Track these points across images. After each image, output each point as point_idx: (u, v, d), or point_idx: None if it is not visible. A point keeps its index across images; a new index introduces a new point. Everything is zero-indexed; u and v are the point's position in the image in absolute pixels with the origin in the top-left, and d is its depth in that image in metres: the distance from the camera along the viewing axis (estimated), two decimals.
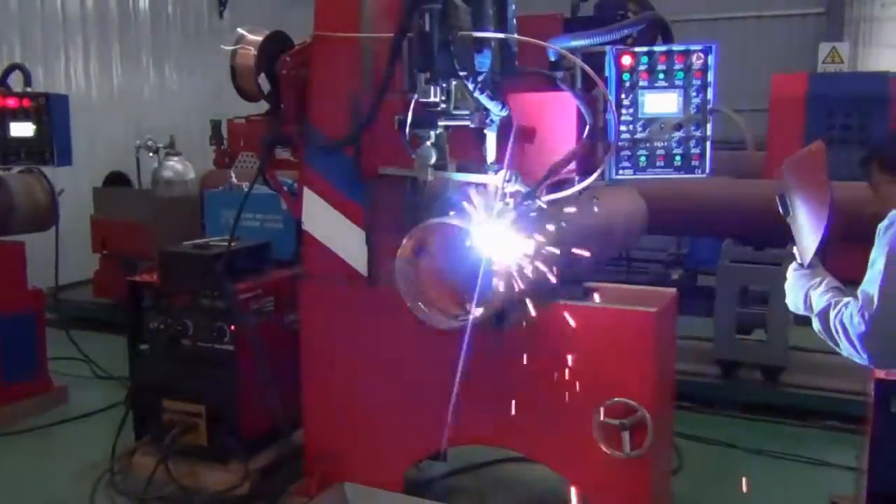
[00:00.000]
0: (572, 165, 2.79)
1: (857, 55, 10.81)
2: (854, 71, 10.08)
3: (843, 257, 2.95)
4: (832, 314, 2.32)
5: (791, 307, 2.54)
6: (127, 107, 9.03)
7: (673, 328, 3.33)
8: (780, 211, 2.54)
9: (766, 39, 11.31)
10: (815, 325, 2.40)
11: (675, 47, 2.76)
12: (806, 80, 6.89)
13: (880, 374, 2.67)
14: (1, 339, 4.87)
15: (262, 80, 3.66)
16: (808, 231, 2.45)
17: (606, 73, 2.76)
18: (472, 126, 2.66)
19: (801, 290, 2.48)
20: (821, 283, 2.44)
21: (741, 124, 7.68)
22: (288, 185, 3.97)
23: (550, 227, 2.63)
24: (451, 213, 2.63)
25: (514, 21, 2.77)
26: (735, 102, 8.07)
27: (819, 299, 2.39)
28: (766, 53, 10.95)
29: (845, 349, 2.31)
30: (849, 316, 2.26)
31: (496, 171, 2.68)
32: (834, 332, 2.31)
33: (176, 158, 7.03)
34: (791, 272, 2.56)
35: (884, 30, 10.94)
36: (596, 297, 3.20)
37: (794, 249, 2.56)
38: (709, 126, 2.78)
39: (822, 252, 2.47)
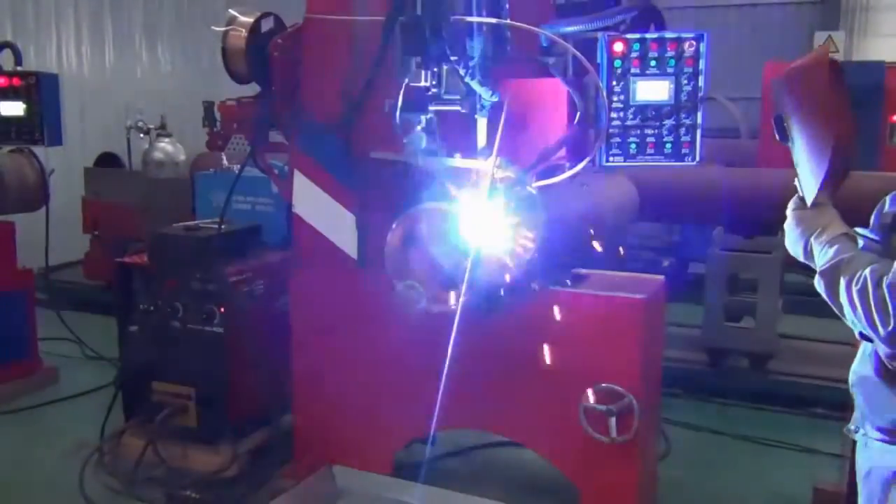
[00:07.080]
0: (563, 152, 2.80)
1: (853, 45, 10.79)
2: (850, 60, 10.06)
3: None
4: (842, 278, 1.85)
5: (790, 251, 2.11)
6: (119, 87, 8.96)
7: (661, 315, 3.35)
8: (777, 136, 2.10)
9: (760, 28, 11.27)
10: (818, 282, 1.95)
11: (667, 35, 2.76)
12: None
13: None
14: None
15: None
16: (809, 163, 2.01)
17: (598, 60, 2.75)
18: (463, 111, 2.65)
19: (800, 237, 2.06)
20: (824, 230, 2.00)
21: (735, 113, 7.69)
22: (279, 168, 3.97)
23: (540, 213, 2.63)
24: (441, 198, 2.63)
25: (507, 6, 2.76)
26: (729, 91, 8.05)
27: (822, 252, 1.97)
28: (761, 42, 10.91)
29: (857, 324, 1.84)
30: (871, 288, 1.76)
31: (486, 157, 2.67)
32: (847, 299, 1.84)
33: (167, 140, 7.00)
34: (790, 211, 2.11)
35: (880, 19, 10.91)
36: (585, 283, 3.21)
37: (797, 182, 2.11)
38: (699, 114, 2.78)
39: (831, 186, 2.03)
